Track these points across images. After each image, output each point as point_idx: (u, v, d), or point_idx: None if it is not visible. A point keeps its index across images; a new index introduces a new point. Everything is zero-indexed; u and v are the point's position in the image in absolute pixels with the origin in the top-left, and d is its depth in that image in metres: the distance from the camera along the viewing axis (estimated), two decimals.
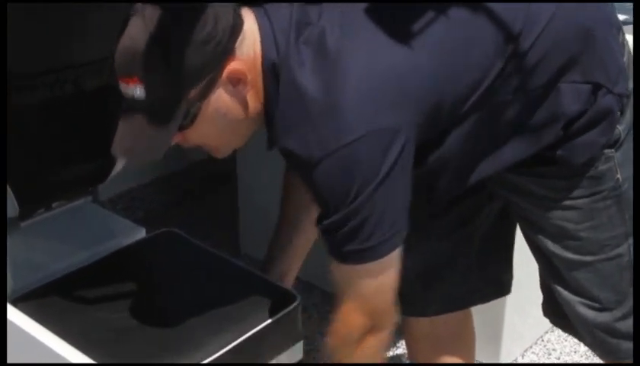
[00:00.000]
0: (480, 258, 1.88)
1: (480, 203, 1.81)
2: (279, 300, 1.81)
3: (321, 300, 2.84)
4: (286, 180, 1.87)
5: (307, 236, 1.86)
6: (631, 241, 1.66)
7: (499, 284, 1.95)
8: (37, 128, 1.88)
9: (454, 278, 1.89)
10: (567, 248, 1.68)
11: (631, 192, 1.64)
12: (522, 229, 1.81)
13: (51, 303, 1.81)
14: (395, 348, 2.65)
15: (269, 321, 1.75)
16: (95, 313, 1.79)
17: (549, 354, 2.68)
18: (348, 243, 1.44)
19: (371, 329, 1.54)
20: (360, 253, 1.45)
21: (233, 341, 1.69)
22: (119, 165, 2.09)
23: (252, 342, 1.72)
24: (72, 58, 1.86)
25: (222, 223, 3.20)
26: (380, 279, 1.50)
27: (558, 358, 2.67)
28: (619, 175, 1.62)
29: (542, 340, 2.72)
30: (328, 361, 1.60)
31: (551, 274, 1.75)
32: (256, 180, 2.97)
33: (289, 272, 1.90)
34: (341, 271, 1.51)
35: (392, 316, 1.56)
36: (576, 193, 1.62)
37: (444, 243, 1.85)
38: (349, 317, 1.54)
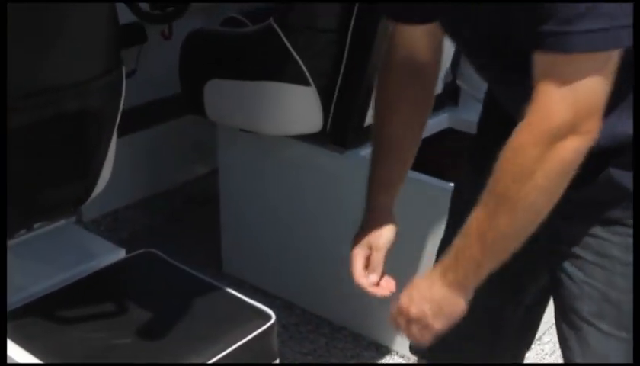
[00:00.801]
0: (501, 342, 1.78)
1: (532, 267, 1.64)
2: (254, 319, 1.84)
3: (302, 320, 2.87)
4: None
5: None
6: None
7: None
8: (19, 150, 1.90)
9: (470, 356, 1.79)
10: (603, 317, 1.53)
11: None
12: (557, 298, 1.62)
13: (30, 323, 1.84)
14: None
15: (243, 340, 1.78)
16: (73, 333, 1.81)
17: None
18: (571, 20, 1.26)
19: (572, 130, 1.30)
20: (587, 35, 1.25)
21: (208, 360, 1.72)
22: (100, 187, 2.12)
23: (227, 362, 1.74)
24: (53, 81, 1.89)
25: (205, 243, 3.22)
26: (596, 76, 1.29)
27: None
28: None
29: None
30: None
31: (579, 344, 1.58)
32: (237, 201, 3.01)
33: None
34: (553, 59, 1.30)
35: (596, 125, 1.31)
36: (630, 258, 1.48)
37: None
38: (552, 108, 1.30)
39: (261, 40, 2.57)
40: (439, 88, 2.87)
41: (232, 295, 1.92)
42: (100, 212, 3.22)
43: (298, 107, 2.60)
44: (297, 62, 2.50)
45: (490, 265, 1.41)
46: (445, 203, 1.79)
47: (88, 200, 2.73)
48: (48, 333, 1.81)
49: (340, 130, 2.61)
